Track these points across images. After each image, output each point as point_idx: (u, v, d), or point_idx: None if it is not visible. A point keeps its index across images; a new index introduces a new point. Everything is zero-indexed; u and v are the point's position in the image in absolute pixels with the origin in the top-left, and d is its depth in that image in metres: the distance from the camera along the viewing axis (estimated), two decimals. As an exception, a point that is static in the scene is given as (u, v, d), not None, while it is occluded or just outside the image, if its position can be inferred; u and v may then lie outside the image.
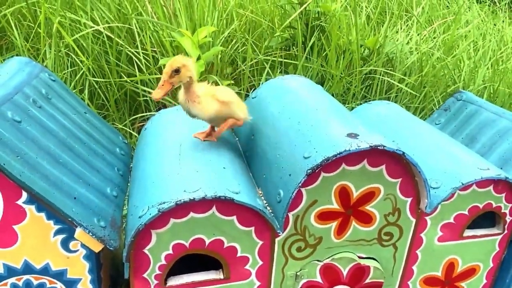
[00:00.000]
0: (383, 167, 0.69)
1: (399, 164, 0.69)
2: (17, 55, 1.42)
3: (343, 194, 0.69)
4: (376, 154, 0.67)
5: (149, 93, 1.43)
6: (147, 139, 0.88)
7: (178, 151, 0.76)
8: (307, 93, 0.86)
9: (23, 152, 0.61)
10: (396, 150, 0.65)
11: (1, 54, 1.42)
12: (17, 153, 0.59)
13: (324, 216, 0.70)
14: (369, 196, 0.70)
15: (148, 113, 1.43)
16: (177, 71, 0.68)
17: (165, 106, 1.49)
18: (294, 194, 0.64)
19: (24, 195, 0.59)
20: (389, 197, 0.71)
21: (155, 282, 0.68)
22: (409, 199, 0.73)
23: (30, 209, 0.60)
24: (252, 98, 0.95)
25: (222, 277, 0.71)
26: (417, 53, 1.64)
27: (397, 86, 1.52)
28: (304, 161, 0.66)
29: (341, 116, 0.76)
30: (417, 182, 0.71)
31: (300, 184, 0.64)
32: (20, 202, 0.59)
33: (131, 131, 1.38)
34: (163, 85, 0.68)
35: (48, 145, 0.67)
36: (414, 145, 0.83)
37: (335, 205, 0.70)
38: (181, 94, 0.72)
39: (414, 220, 0.75)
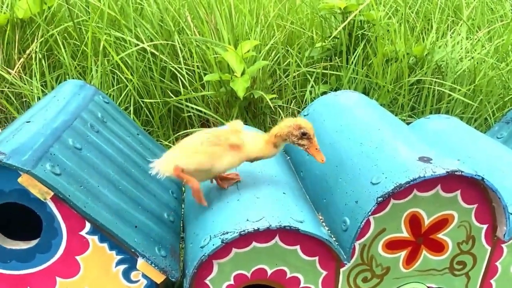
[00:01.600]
0: (458, 192, 0.64)
1: (475, 189, 0.64)
2: (64, 73, 1.45)
3: (414, 221, 0.64)
4: (451, 179, 0.62)
5: (192, 108, 1.43)
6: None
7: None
8: (365, 110, 0.82)
9: (86, 181, 0.60)
10: (475, 175, 0.60)
11: (49, 73, 1.46)
12: (80, 183, 0.59)
13: (393, 245, 0.66)
14: (441, 224, 0.65)
15: (192, 129, 1.42)
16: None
17: (208, 121, 1.48)
18: (362, 223, 0.60)
19: (88, 225, 0.58)
20: (463, 224, 0.66)
21: (216, 312, 0.66)
22: (485, 226, 0.67)
23: (93, 239, 0.59)
24: (304, 115, 0.92)
25: (283, 307, 0.68)
26: (469, 60, 1.56)
27: (448, 96, 1.45)
28: (372, 187, 0.62)
29: (406, 135, 0.72)
30: (495, 208, 0.66)
31: (369, 213, 0.60)
32: (83, 232, 0.58)
33: (175, 147, 1.38)
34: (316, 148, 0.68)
35: (108, 172, 0.67)
36: (484, 166, 0.77)
37: (404, 234, 0.65)
38: (270, 149, 0.69)
39: (489, 248, 0.69)
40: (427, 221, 0.65)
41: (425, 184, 0.62)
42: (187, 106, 1.41)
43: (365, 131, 0.74)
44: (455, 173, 0.59)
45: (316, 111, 0.89)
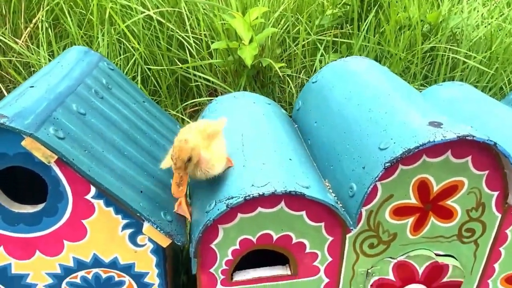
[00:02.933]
0: (469, 158, 0.62)
1: (487, 155, 0.62)
2: (71, 42, 1.44)
3: (422, 188, 0.63)
4: (462, 145, 0.60)
5: (200, 77, 1.41)
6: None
7: (240, 142, 0.73)
8: (375, 76, 0.80)
9: (90, 146, 0.60)
10: (487, 140, 0.58)
11: (56, 42, 1.45)
12: (84, 147, 0.58)
13: (400, 212, 0.65)
14: (451, 190, 0.64)
15: (199, 99, 1.41)
16: (189, 159, 0.58)
17: (215, 90, 1.46)
18: (370, 188, 0.59)
19: (93, 189, 0.58)
20: (473, 191, 0.65)
21: (222, 277, 0.67)
22: (496, 193, 0.66)
23: (99, 203, 0.59)
24: (313, 82, 0.89)
25: (289, 273, 0.68)
26: (485, 26, 1.50)
27: (462, 64, 1.40)
28: (380, 152, 0.60)
29: (417, 102, 0.70)
30: (507, 174, 0.64)
31: (377, 178, 0.59)
32: (88, 197, 0.58)
33: (183, 117, 1.37)
34: (181, 181, 0.58)
35: (113, 138, 0.66)
36: (498, 133, 0.75)
37: (412, 200, 0.64)
38: (190, 170, 0.60)
39: (499, 216, 0.68)
40: (436, 187, 0.64)
41: (435, 149, 0.60)
42: (194, 75, 1.39)
43: (374, 97, 0.72)
44: (466, 138, 0.57)
45: (325, 78, 0.87)
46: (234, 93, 0.95)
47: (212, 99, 0.97)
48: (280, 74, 1.28)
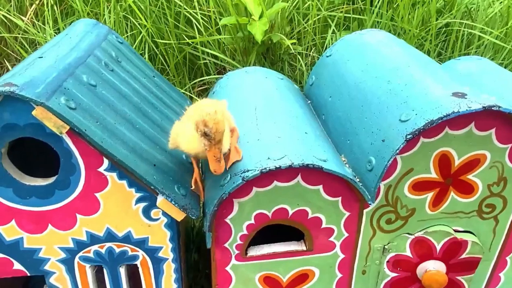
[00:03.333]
0: (493, 131, 0.60)
1: (511, 128, 0.60)
2: (77, 19, 1.41)
3: (444, 161, 0.61)
4: (486, 116, 0.58)
5: (208, 55, 1.38)
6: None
7: (254, 115, 0.71)
8: (393, 48, 0.77)
9: (102, 118, 0.58)
10: (513, 111, 0.56)
11: (61, 20, 1.42)
12: (96, 119, 0.57)
13: (420, 186, 0.63)
14: (472, 164, 0.62)
15: (207, 77, 1.39)
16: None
17: (224, 69, 1.44)
18: (390, 161, 0.57)
19: (106, 162, 0.56)
20: (495, 165, 0.63)
21: (236, 252, 0.66)
22: (519, 168, 0.64)
23: (112, 176, 0.57)
24: (327, 56, 0.87)
25: (304, 248, 0.67)
26: (500, 2, 1.45)
27: (477, 40, 1.36)
28: (400, 124, 0.58)
29: (438, 72, 0.67)
30: (531, 148, 0.62)
31: (397, 151, 0.57)
32: (101, 169, 0.57)
33: (191, 95, 1.35)
34: (220, 155, 0.54)
35: (124, 110, 0.64)
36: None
37: (433, 174, 0.62)
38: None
39: (521, 191, 0.66)
40: (457, 161, 0.62)
41: (458, 121, 0.58)
42: (203, 53, 1.36)
43: (393, 69, 0.69)
44: (492, 108, 0.55)
45: (340, 51, 0.84)
46: (245, 68, 0.93)
47: (221, 76, 0.95)
48: (292, 49, 1.25)
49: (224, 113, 0.56)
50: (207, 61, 1.38)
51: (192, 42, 1.34)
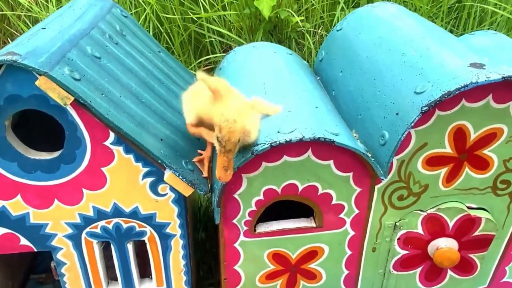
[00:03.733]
0: (511, 103, 0.58)
1: (531, 100, 0.58)
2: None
3: (459, 136, 0.59)
4: (505, 88, 0.56)
5: (214, 33, 1.35)
6: (226, 79, 0.81)
7: (263, 90, 0.69)
8: (406, 21, 0.74)
9: (107, 90, 0.56)
10: (534, 82, 0.54)
11: (64, -2, 1.39)
12: (101, 91, 0.55)
13: (434, 161, 0.61)
14: (489, 139, 0.60)
15: (213, 55, 1.36)
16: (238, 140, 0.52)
17: (230, 47, 1.41)
18: (404, 135, 0.56)
19: (112, 135, 0.55)
20: (512, 140, 0.61)
21: (245, 228, 0.65)
22: (537, 143, 0.62)
23: (118, 150, 0.56)
24: (337, 30, 0.84)
25: (314, 225, 0.66)
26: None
27: (490, 17, 1.32)
28: (416, 97, 0.56)
29: (454, 44, 0.65)
30: (550, 122, 0.60)
31: (412, 124, 0.55)
32: (107, 143, 0.56)
33: (197, 75, 1.33)
34: (230, 164, 0.52)
35: (130, 84, 0.63)
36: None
37: (447, 149, 0.60)
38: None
39: (538, 167, 0.64)
40: (473, 135, 0.60)
41: (476, 92, 0.56)
42: (208, 31, 1.34)
43: (407, 41, 0.67)
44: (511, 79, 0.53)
45: (351, 25, 0.81)
46: (253, 43, 0.90)
47: (228, 53, 0.92)
48: (301, 25, 1.21)
49: (244, 124, 0.52)
50: (213, 39, 1.35)
51: (198, 19, 1.31)
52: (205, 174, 0.61)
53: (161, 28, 1.34)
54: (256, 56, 0.83)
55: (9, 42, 1.44)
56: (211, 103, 0.54)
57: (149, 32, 1.33)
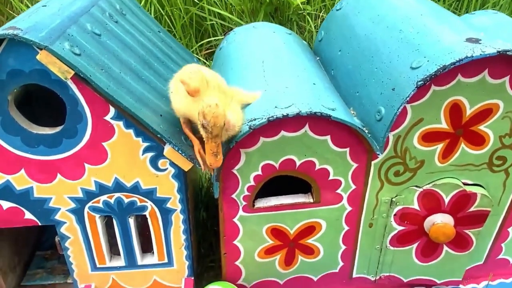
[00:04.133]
0: (507, 79, 0.58)
1: (527, 76, 0.58)
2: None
3: (455, 111, 0.60)
4: (500, 63, 0.56)
5: (215, 16, 1.35)
6: (225, 59, 0.82)
7: (261, 68, 0.70)
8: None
9: (107, 66, 0.57)
10: (529, 56, 0.54)
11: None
12: (101, 66, 0.56)
13: (430, 137, 0.62)
14: (484, 114, 0.61)
15: (214, 38, 1.36)
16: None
17: (231, 30, 1.41)
18: (399, 110, 0.56)
19: (112, 110, 0.56)
20: (508, 116, 0.61)
21: (244, 203, 0.66)
22: (532, 118, 0.62)
23: (118, 125, 0.57)
24: (337, 10, 0.84)
25: (311, 200, 0.67)
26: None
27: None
28: (411, 72, 0.57)
29: (451, 21, 0.65)
30: (546, 97, 0.60)
31: (407, 98, 0.55)
32: (108, 117, 0.57)
33: (199, 58, 1.33)
34: (218, 149, 0.53)
35: (130, 61, 0.64)
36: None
37: (443, 125, 0.61)
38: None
39: (534, 143, 0.65)
40: (469, 111, 0.60)
41: (472, 67, 0.56)
42: (209, 14, 1.34)
43: (405, 18, 0.67)
44: (507, 53, 0.53)
45: (350, 4, 0.81)
46: (253, 23, 0.91)
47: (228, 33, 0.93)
48: (302, 8, 1.21)
49: (225, 108, 0.53)
50: (214, 22, 1.35)
51: (199, 2, 1.31)
52: (203, 168, 0.60)
53: (162, 11, 1.34)
54: (255, 35, 0.83)
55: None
56: (192, 101, 0.55)
57: (151, 15, 1.33)
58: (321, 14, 1.38)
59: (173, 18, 1.34)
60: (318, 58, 0.86)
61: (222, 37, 1.34)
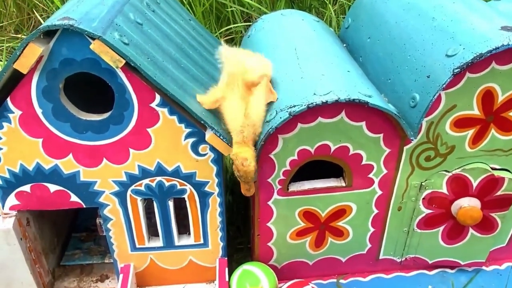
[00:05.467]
0: (539, 66, 0.60)
1: (559, 63, 0.59)
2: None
3: (487, 98, 0.62)
4: (534, 51, 0.58)
5: (235, 2, 1.36)
6: (254, 46, 0.83)
7: (295, 55, 0.71)
8: (435, -13, 0.75)
9: (152, 55, 0.59)
10: None
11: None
12: (147, 55, 0.58)
13: (462, 123, 0.64)
14: (516, 101, 0.62)
15: (234, 25, 1.37)
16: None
17: (251, 17, 1.42)
18: (435, 97, 0.58)
19: (158, 97, 0.58)
20: (538, 102, 0.63)
21: (279, 187, 0.68)
22: (562, 104, 0.64)
23: (163, 112, 0.60)
24: (362, -2, 0.85)
25: (343, 184, 0.70)
26: None
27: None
28: (447, 59, 0.58)
29: (484, 9, 0.66)
30: None
31: (443, 85, 0.57)
32: (153, 105, 0.59)
33: (220, 44, 1.35)
34: (251, 188, 0.63)
35: (169, 50, 0.66)
36: None
37: (475, 111, 0.63)
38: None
39: (562, 129, 0.66)
40: (501, 97, 0.62)
41: (506, 55, 0.58)
42: (229, 0, 1.35)
43: (437, 6, 0.68)
44: (543, 41, 0.55)
45: (378, -8, 0.82)
46: (281, 10, 0.92)
47: (250, 24, 0.94)
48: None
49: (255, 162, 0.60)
50: (234, 9, 1.36)
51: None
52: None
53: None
54: (284, 23, 0.85)
55: (33, 14, 1.47)
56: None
57: (171, 2, 1.34)
58: (339, 0, 1.38)
59: (194, 5, 1.35)
60: (345, 45, 0.87)
61: (242, 24, 1.36)
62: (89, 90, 0.68)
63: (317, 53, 0.72)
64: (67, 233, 0.89)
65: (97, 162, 0.63)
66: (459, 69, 0.56)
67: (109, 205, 0.68)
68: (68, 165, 0.63)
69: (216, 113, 0.64)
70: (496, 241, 0.80)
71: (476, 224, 0.73)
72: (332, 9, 1.32)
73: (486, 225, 0.75)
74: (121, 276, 0.74)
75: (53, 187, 0.65)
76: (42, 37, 0.53)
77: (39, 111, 0.58)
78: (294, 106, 0.59)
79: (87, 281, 0.81)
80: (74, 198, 0.67)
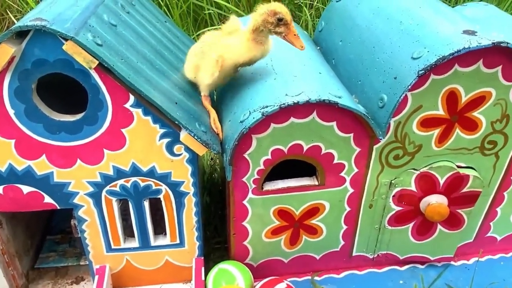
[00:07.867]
0: (499, 68, 0.63)
1: (517, 65, 0.63)
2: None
3: (451, 98, 0.65)
4: (494, 54, 0.61)
5: (212, 5, 1.37)
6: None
7: (268, 57, 0.73)
8: (403, -8, 0.78)
9: (125, 56, 0.60)
10: (521, 47, 0.59)
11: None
12: (121, 56, 0.59)
13: (428, 123, 0.67)
14: (478, 101, 0.66)
15: (211, 27, 1.38)
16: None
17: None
18: (401, 97, 0.61)
19: (132, 98, 0.59)
20: (499, 102, 0.66)
21: (253, 186, 0.70)
22: (521, 105, 0.67)
23: (137, 112, 0.60)
24: (336, 1, 0.88)
25: (316, 183, 0.72)
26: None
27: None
28: (413, 62, 0.61)
29: (449, 13, 0.69)
30: (534, 85, 0.65)
31: (409, 87, 0.60)
32: (127, 105, 0.59)
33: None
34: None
35: (144, 51, 0.66)
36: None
37: (440, 111, 0.66)
38: (254, 47, 0.66)
39: (522, 128, 0.70)
40: (464, 98, 0.65)
41: (468, 57, 0.61)
42: (207, 3, 1.36)
43: (405, 11, 0.71)
44: (501, 44, 0.58)
45: (350, -4, 0.85)
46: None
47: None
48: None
49: None
50: (211, 11, 1.37)
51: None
52: (220, 135, 0.67)
53: (160, 0, 1.35)
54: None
55: (7, 14, 1.45)
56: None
57: (148, 4, 1.35)
58: (315, 4, 1.41)
59: (171, 7, 1.36)
60: (318, 48, 0.90)
61: (219, 26, 1.37)
62: (64, 91, 0.68)
63: (290, 55, 0.74)
64: (41, 235, 0.88)
65: (71, 163, 0.63)
66: (423, 71, 0.59)
67: (83, 206, 0.68)
68: (41, 166, 0.63)
69: (191, 111, 0.65)
70: (463, 237, 0.83)
71: (444, 220, 0.76)
72: (308, 13, 1.35)
73: (453, 221, 0.78)
74: (96, 277, 0.74)
75: (26, 189, 0.65)
76: (14, 37, 0.53)
77: (11, 111, 0.58)
78: (267, 106, 0.61)
79: (62, 284, 0.80)
80: (48, 199, 0.67)
